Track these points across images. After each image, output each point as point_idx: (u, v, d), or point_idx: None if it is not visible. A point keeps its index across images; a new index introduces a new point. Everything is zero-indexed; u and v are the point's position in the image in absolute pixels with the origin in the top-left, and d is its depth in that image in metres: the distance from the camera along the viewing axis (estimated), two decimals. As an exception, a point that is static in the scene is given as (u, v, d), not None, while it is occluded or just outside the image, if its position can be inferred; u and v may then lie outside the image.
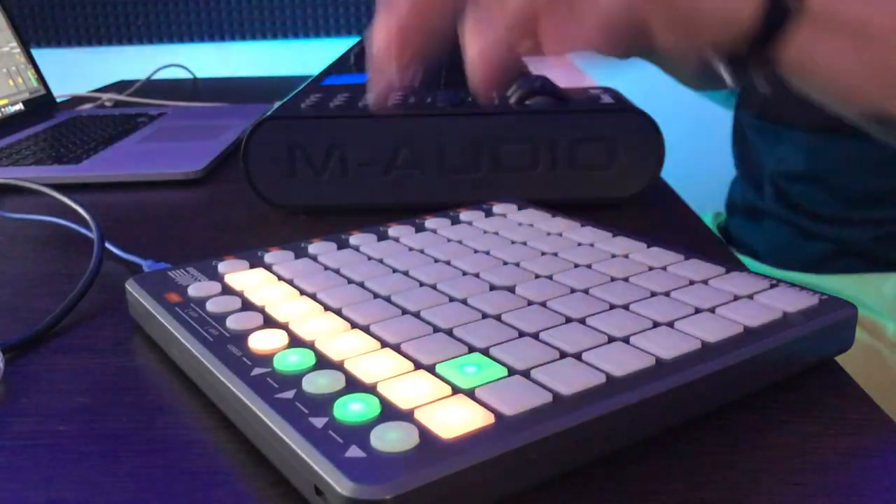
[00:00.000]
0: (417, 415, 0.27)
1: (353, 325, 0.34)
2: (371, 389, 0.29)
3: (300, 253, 0.43)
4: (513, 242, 0.44)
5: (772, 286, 0.37)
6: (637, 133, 0.56)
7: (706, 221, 1.04)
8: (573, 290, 0.37)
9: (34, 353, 0.39)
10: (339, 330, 0.34)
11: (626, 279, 0.38)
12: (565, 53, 0.40)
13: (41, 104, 1.02)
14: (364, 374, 0.30)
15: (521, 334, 0.33)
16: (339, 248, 0.44)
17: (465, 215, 0.49)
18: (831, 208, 0.85)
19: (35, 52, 1.06)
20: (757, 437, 0.30)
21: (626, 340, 0.32)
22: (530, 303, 0.36)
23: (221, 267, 0.41)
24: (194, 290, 0.39)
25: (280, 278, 0.40)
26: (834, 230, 0.85)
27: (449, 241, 0.45)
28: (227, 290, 0.39)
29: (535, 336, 0.33)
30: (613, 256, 0.41)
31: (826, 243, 0.86)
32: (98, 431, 0.32)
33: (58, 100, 1.08)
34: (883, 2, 0.42)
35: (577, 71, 0.74)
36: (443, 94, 0.60)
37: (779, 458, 0.29)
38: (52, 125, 0.93)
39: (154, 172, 0.70)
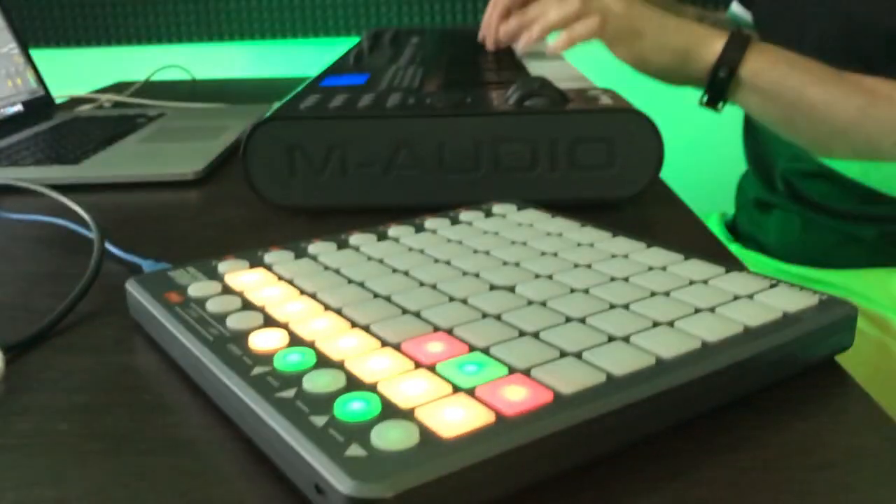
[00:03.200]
0: (418, 414, 0.27)
1: (354, 325, 0.34)
2: (372, 388, 0.29)
3: (300, 253, 0.43)
4: (512, 242, 0.44)
5: (771, 286, 0.37)
6: (636, 134, 0.56)
7: (712, 222, 1.05)
8: (573, 290, 0.37)
9: (35, 352, 0.39)
10: (340, 329, 0.34)
11: (625, 279, 0.38)
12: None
13: (40, 105, 1.02)
14: (364, 374, 0.30)
15: (522, 333, 0.33)
16: (339, 248, 0.44)
17: (464, 216, 0.49)
18: (840, 203, 0.86)
19: (34, 53, 1.06)
20: (757, 437, 0.30)
21: (626, 340, 0.32)
22: (530, 302, 0.36)
23: (221, 267, 0.41)
24: (194, 290, 0.39)
25: (280, 278, 0.40)
26: (841, 224, 0.86)
27: (449, 241, 0.45)
28: (227, 290, 0.39)
29: (536, 335, 0.33)
30: (613, 256, 0.41)
31: (835, 235, 0.87)
32: (98, 430, 0.32)
33: (57, 101, 1.08)
34: (785, 78, 0.69)
35: (576, 72, 0.74)
36: (443, 94, 0.60)
37: (779, 458, 0.29)
38: (52, 126, 0.93)
39: (154, 173, 0.70)
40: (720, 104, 0.73)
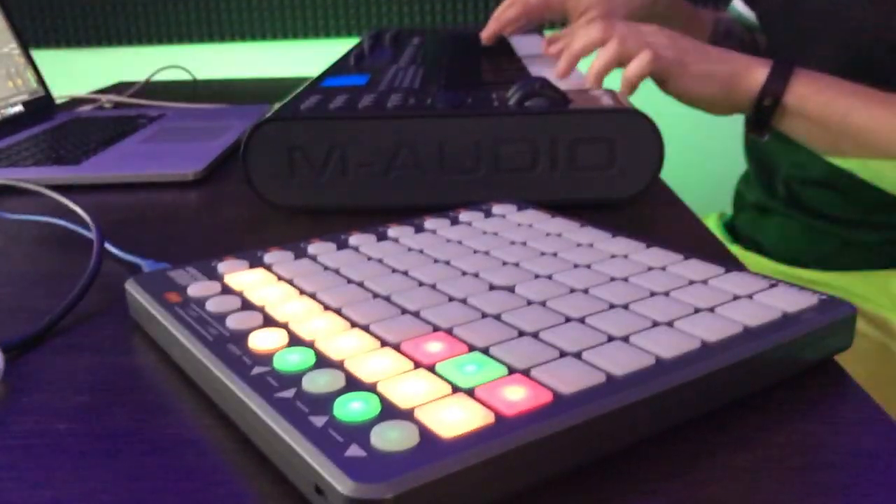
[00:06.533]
0: (417, 414, 0.27)
1: (353, 325, 0.34)
2: (371, 388, 0.29)
3: (300, 253, 0.43)
4: (512, 243, 0.44)
5: (771, 286, 0.37)
6: (636, 134, 0.56)
7: (711, 222, 1.04)
8: (573, 290, 0.37)
9: (34, 352, 0.39)
10: (339, 329, 0.34)
11: (625, 279, 0.38)
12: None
13: (40, 105, 1.02)
14: (364, 374, 0.30)
15: (521, 333, 0.33)
16: (339, 248, 0.44)
17: (464, 216, 0.49)
18: (844, 211, 0.86)
19: (34, 53, 1.06)
20: (757, 437, 0.30)
21: (625, 340, 0.32)
22: (530, 302, 0.36)
23: (221, 267, 0.41)
24: (194, 290, 0.39)
25: (280, 278, 0.40)
26: (844, 231, 0.86)
27: (448, 241, 0.45)
28: (226, 290, 0.39)
29: (535, 335, 0.33)
30: (613, 256, 0.41)
31: (835, 241, 0.87)
32: (98, 431, 0.32)
33: (57, 101, 1.08)
34: (831, 105, 0.68)
35: (576, 72, 0.74)
36: (443, 94, 0.60)
37: (779, 458, 0.29)
38: (52, 126, 0.93)
39: (154, 173, 0.70)
40: (766, 132, 0.72)
